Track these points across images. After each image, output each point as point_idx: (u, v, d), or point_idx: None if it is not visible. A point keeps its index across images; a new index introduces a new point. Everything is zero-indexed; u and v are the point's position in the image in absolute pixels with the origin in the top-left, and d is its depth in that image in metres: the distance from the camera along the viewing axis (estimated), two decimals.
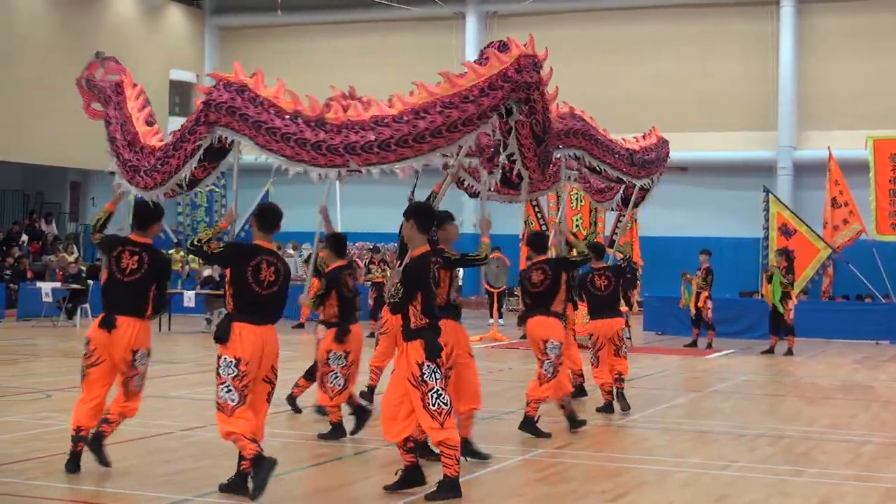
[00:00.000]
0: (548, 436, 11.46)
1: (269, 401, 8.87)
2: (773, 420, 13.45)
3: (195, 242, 8.94)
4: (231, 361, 8.57)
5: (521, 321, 12.20)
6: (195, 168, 9.57)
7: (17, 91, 32.16)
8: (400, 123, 8.59)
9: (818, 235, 25.83)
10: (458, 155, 9.61)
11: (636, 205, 14.31)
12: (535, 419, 11.59)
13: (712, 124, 34.58)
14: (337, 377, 11.18)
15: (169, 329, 25.39)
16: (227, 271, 8.87)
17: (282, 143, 8.78)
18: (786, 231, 25.45)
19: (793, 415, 14.06)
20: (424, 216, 8.94)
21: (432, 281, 8.75)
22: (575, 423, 11.95)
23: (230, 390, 8.56)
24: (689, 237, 31.74)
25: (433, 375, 8.57)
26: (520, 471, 9.92)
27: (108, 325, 9.60)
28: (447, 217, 9.95)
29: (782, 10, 33.89)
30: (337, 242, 11.71)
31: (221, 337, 8.65)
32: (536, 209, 23.82)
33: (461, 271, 13.01)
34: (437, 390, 8.57)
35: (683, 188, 34.77)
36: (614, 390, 13.44)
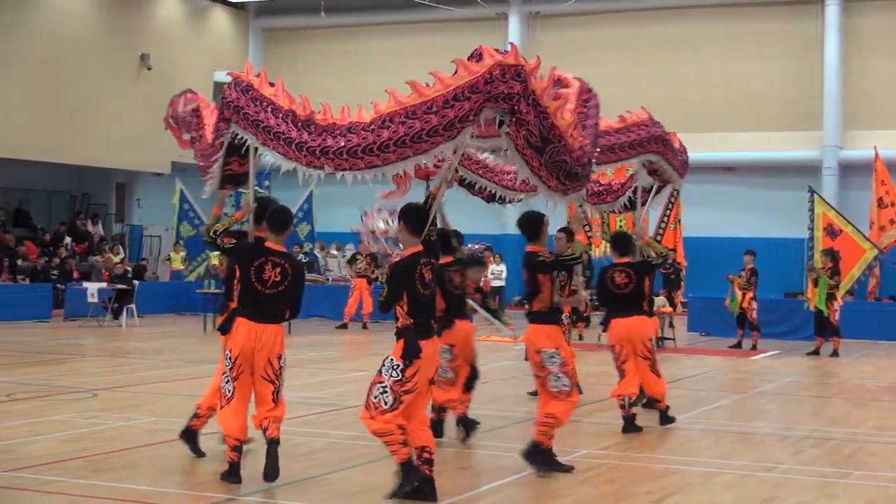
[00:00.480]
0: (672, 420, 12.37)
1: (274, 401, 9.21)
2: (819, 422, 13.36)
3: (211, 234, 9.40)
4: (227, 354, 9.14)
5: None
6: (233, 163, 10.08)
7: (63, 93, 32.45)
8: (367, 132, 8.55)
9: (864, 236, 25.58)
10: (451, 161, 9.43)
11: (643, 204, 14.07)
12: (667, 409, 12.40)
13: (757, 124, 34.38)
14: (445, 370, 11.04)
15: (214, 329, 25.52)
16: (237, 267, 9.31)
17: (275, 141, 9.11)
18: (831, 231, 25.22)
19: (839, 417, 13.96)
20: (417, 218, 8.88)
21: (420, 282, 8.66)
22: (631, 427, 11.94)
23: (227, 381, 9.16)
24: (734, 238, 31.56)
25: (391, 372, 8.57)
26: (563, 472, 9.89)
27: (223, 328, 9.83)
28: (539, 217, 10.04)
29: (827, 9, 33.62)
30: (444, 238, 11.15)
31: (223, 328, 9.30)
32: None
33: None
34: (386, 387, 8.57)
35: (728, 188, 34.66)
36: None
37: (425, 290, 8.73)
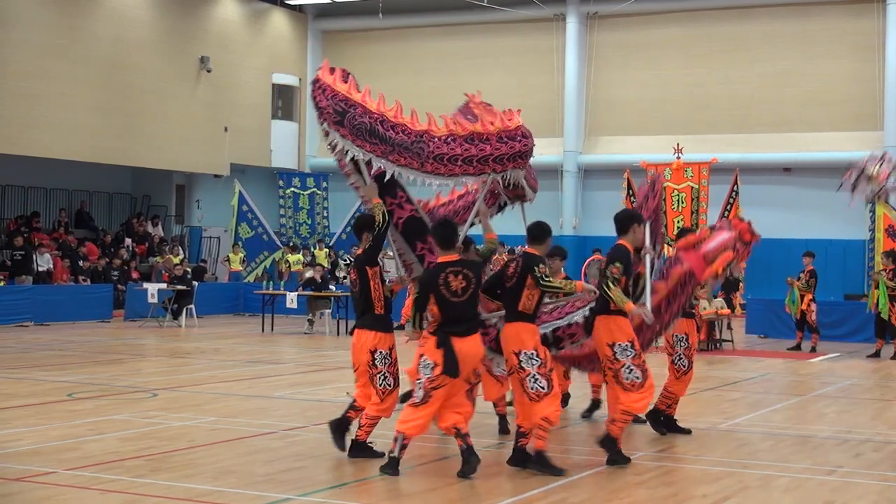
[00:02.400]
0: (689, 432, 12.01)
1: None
2: (880, 425, 13.22)
3: None
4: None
5: None
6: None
7: (124, 96, 32.77)
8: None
9: None
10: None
11: None
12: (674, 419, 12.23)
13: (817, 124, 34.08)
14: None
15: (272, 330, 25.71)
16: None
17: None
18: (893, 233, 24.95)
19: None
20: None
21: None
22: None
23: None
24: (793, 239, 31.33)
25: None
26: (620, 474, 9.87)
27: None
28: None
29: (888, 8, 33.20)
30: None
31: None
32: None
33: None
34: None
35: (788, 189, 34.37)
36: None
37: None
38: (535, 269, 9.72)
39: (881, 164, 11.38)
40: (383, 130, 10.01)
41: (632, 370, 10.16)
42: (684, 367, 12.13)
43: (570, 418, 12.95)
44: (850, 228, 31.81)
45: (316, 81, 10.46)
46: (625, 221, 10.57)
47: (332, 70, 10.44)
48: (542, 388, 9.67)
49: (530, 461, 9.80)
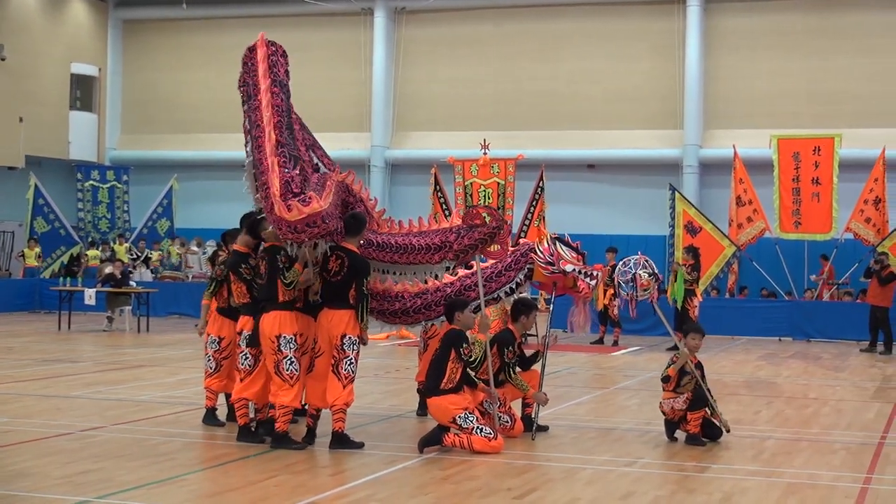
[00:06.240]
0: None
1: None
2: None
3: None
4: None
5: None
6: None
7: None
8: None
9: (723, 233, 26.10)
10: None
11: None
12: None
13: (619, 122, 34.80)
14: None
15: (69, 328, 24.94)
16: None
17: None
18: (691, 229, 25.67)
19: None
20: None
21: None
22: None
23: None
24: (597, 234, 31.90)
25: None
26: (425, 469, 9.85)
27: None
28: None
29: (688, 9, 34.16)
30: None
31: None
32: (443, 204, 23.72)
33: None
34: None
35: (591, 185, 35.02)
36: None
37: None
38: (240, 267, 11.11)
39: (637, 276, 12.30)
40: None
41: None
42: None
43: (375, 415, 12.87)
44: (651, 224, 32.59)
45: None
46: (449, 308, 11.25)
47: None
48: (249, 366, 10.86)
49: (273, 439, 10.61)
